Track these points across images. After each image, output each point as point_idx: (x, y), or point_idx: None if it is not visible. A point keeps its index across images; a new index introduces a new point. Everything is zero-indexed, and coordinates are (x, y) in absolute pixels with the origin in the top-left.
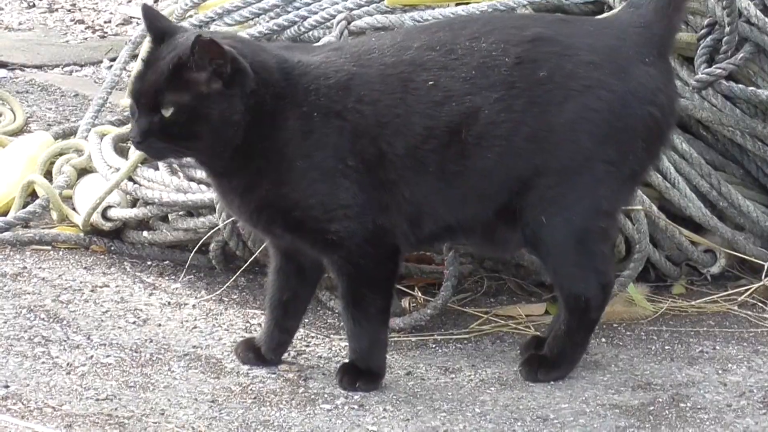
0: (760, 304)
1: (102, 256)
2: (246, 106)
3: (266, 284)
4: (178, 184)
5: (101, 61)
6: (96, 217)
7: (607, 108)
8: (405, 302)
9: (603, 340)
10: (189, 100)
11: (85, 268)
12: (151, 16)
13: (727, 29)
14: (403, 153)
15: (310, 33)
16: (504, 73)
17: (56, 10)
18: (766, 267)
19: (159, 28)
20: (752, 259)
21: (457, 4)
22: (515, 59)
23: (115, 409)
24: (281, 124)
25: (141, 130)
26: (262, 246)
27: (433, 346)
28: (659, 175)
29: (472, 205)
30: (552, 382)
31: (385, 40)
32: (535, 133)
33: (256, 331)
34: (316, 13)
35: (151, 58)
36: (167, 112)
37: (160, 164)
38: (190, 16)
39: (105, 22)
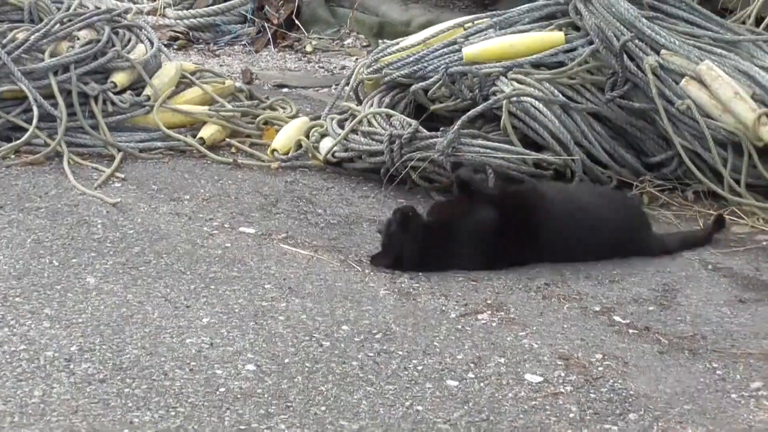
0: None
1: (332, 174)
2: None
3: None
4: (367, 141)
5: (331, 86)
6: (329, 156)
7: None
8: None
9: None
10: None
11: (323, 179)
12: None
13: (620, 75)
14: None
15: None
16: None
17: (310, 61)
18: None
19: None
20: None
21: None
22: None
23: (339, 243)
24: None
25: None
26: (406, 169)
27: None
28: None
29: None
30: None
31: None
32: None
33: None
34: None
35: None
36: None
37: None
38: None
39: (333, 68)
